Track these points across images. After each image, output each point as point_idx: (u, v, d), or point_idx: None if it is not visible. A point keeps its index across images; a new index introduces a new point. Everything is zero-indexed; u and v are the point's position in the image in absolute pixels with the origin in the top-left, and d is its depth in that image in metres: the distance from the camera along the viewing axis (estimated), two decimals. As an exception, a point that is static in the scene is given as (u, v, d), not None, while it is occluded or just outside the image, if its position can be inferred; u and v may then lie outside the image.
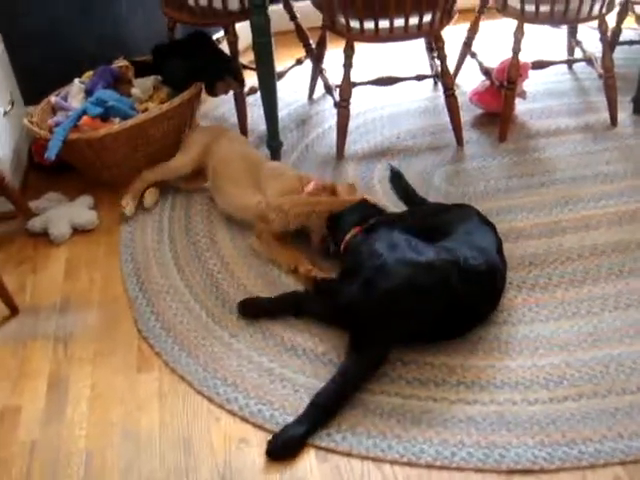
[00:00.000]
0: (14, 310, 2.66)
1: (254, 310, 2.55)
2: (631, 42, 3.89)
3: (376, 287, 2.29)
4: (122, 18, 3.63)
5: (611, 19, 3.49)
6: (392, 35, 3.05)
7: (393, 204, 3.00)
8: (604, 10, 3.19)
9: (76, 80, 3.36)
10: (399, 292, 2.28)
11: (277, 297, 2.57)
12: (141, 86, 3.28)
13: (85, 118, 3.07)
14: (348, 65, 3.16)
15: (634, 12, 4.04)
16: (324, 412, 2.15)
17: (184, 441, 2.16)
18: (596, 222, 2.87)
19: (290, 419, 2.16)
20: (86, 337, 2.54)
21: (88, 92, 3.26)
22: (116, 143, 3.05)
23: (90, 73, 3.36)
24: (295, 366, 2.35)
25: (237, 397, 2.26)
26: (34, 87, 3.42)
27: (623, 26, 3.89)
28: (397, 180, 3.04)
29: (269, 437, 2.12)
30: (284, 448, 2.09)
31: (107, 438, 2.19)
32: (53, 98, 3.30)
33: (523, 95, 3.53)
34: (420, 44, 3.79)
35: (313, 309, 2.52)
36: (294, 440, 2.10)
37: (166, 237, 2.94)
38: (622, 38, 3.91)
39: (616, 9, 3.52)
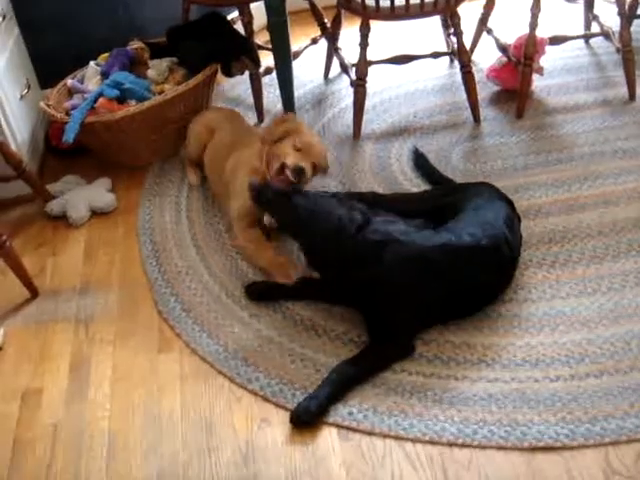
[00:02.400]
0: (34, 293, 2.68)
1: (261, 291, 2.56)
2: (649, 15, 3.84)
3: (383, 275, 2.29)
4: (136, 0, 3.61)
5: (629, -8, 3.45)
6: (408, 12, 3.03)
7: (410, 183, 3.00)
8: (622, -17, 3.15)
9: (92, 63, 3.36)
10: (402, 282, 2.28)
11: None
12: (157, 68, 3.27)
13: (102, 100, 3.07)
14: (364, 44, 3.14)
15: (652, -15, 4.00)
16: (344, 382, 2.17)
17: (206, 422, 2.17)
18: (615, 198, 2.85)
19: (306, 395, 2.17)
20: (107, 319, 2.56)
21: (104, 74, 3.27)
22: (133, 125, 3.05)
23: (106, 55, 3.36)
24: (316, 346, 2.35)
25: (258, 377, 2.27)
26: (50, 71, 3.43)
27: (641, -1, 3.84)
28: (421, 162, 3.03)
29: (291, 416, 2.14)
30: (306, 415, 2.10)
31: (129, 419, 2.20)
32: (69, 81, 3.31)
33: (540, 71, 3.49)
34: (436, 21, 3.76)
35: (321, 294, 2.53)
36: (315, 407, 2.11)
37: (184, 218, 2.95)
38: (640, 12, 3.87)
39: (634, -18, 3.48)
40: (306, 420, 2.11)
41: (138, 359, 2.40)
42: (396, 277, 2.27)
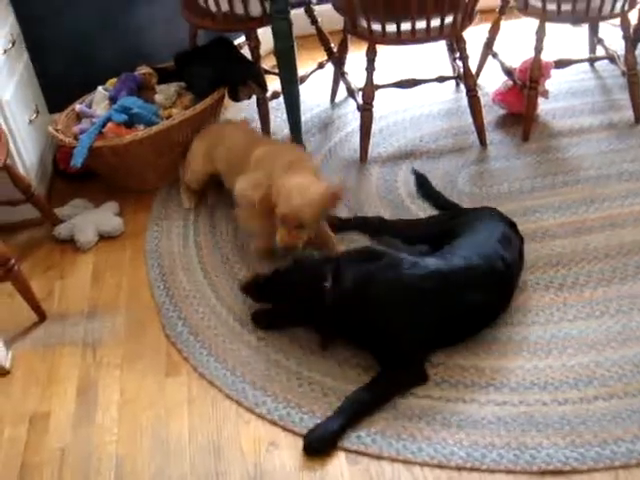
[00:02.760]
0: (42, 316, 2.68)
1: (267, 320, 2.55)
2: (654, 39, 3.86)
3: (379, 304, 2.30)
4: (144, 26, 3.65)
5: (633, 16, 3.46)
6: (414, 37, 3.05)
7: (417, 207, 3.00)
8: (626, 7, 3.17)
9: (100, 87, 3.38)
10: (393, 315, 2.29)
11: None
12: (164, 92, 3.29)
13: (110, 125, 3.09)
14: (371, 68, 3.16)
15: (656, 9, 4.02)
16: (359, 410, 2.17)
17: (214, 445, 2.17)
18: (622, 220, 2.85)
19: (319, 422, 2.16)
20: (114, 342, 2.56)
21: (112, 99, 3.29)
22: (141, 149, 3.07)
23: (114, 80, 3.38)
24: (323, 369, 2.35)
25: (266, 401, 2.26)
26: (58, 95, 3.44)
27: (645, 23, 3.86)
28: (425, 187, 3.05)
29: (298, 440, 2.13)
30: (320, 444, 2.10)
31: (137, 443, 2.20)
32: (77, 106, 3.33)
33: (546, 94, 3.51)
34: (441, 45, 3.78)
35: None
36: (329, 435, 2.11)
37: (191, 242, 2.96)
38: (645, 35, 3.88)
39: (638, 6, 3.49)
40: (319, 449, 2.10)
41: (146, 383, 2.39)
42: (387, 312, 2.28)
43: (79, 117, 3.32)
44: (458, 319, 2.36)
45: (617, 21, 3.28)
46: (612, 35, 3.74)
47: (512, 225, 2.62)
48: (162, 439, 2.20)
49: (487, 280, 2.38)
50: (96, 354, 2.52)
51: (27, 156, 3.09)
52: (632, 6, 3.20)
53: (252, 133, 3.15)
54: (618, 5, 3.13)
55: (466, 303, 2.34)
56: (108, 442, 2.21)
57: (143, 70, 3.40)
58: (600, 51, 3.81)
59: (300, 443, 2.12)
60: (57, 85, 3.53)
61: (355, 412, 2.16)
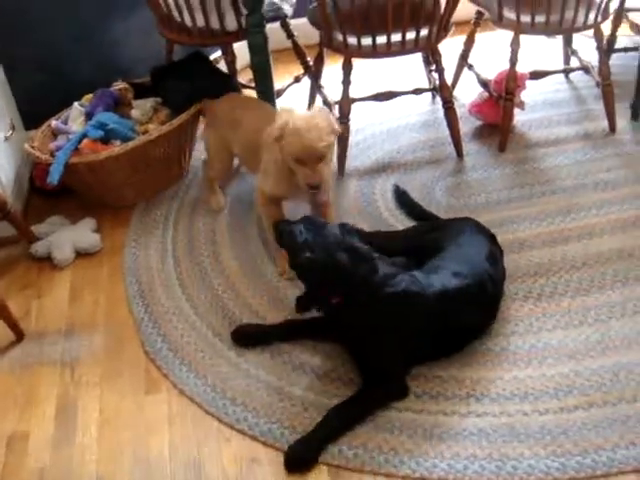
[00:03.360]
0: (20, 335, 2.65)
1: (247, 336, 2.53)
2: (626, 49, 3.90)
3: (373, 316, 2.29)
4: (120, 41, 3.64)
5: (606, 27, 3.50)
6: (390, 50, 3.06)
7: (395, 219, 3.01)
8: (599, 19, 3.20)
9: (76, 104, 3.37)
10: (395, 326, 2.28)
11: (272, 325, 2.56)
12: (141, 108, 3.29)
13: (86, 141, 3.08)
14: (347, 81, 3.17)
15: (628, 19, 4.06)
16: (340, 425, 2.16)
17: (195, 463, 2.15)
18: (599, 230, 2.87)
19: (300, 437, 2.15)
20: (93, 361, 2.54)
21: (88, 115, 3.27)
22: (117, 165, 3.06)
23: (90, 96, 3.37)
24: (303, 384, 2.34)
25: (247, 417, 2.25)
26: (34, 112, 3.43)
27: (618, 33, 3.90)
28: (403, 199, 3.05)
29: (280, 456, 2.11)
30: (302, 460, 2.10)
31: (117, 462, 2.18)
32: (53, 122, 3.31)
33: (521, 105, 3.53)
34: (417, 58, 3.79)
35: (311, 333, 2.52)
36: (310, 450, 2.11)
37: (170, 258, 2.94)
38: (617, 45, 3.92)
39: (610, 17, 3.53)
40: (301, 464, 2.09)
41: (125, 401, 2.37)
42: (390, 321, 2.27)
43: (55, 134, 3.30)
44: (447, 338, 2.37)
45: (591, 32, 3.31)
46: (586, 46, 3.78)
47: (492, 238, 2.62)
48: (142, 457, 2.19)
49: (478, 300, 2.40)
50: (75, 373, 2.50)
51: (3, 173, 3.07)
52: (605, 18, 3.24)
53: (263, 109, 3.05)
54: (591, 17, 3.16)
55: (456, 323, 2.35)
56: (88, 461, 2.19)
57: (119, 85, 3.39)
58: (574, 62, 3.85)
59: (282, 458, 2.11)
60: (33, 101, 3.51)
61: (336, 427, 2.16)
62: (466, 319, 2.37)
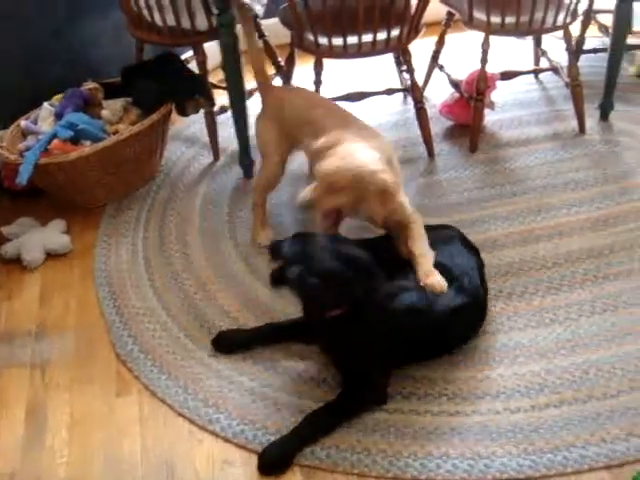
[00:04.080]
0: (-11, 338, 2.63)
1: (229, 343, 2.51)
2: (595, 50, 3.94)
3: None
4: (90, 41, 3.61)
5: (575, 28, 3.53)
6: (361, 51, 3.06)
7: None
8: (568, 20, 3.23)
9: (45, 104, 3.33)
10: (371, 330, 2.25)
11: (253, 329, 2.54)
12: (111, 108, 3.26)
13: (55, 142, 3.05)
14: (318, 82, 3.18)
15: (597, 21, 4.10)
16: (316, 431, 2.16)
17: (167, 465, 2.14)
18: (569, 229, 2.89)
19: (273, 438, 2.15)
20: (63, 363, 2.52)
21: (58, 115, 3.24)
22: (88, 166, 3.03)
23: (59, 96, 3.34)
24: (276, 385, 2.34)
25: (219, 418, 2.24)
26: (3, 111, 3.38)
27: (587, 35, 3.93)
28: None
29: (252, 457, 2.11)
30: (275, 463, 2.09)
31: (88, 465, 2.16)
32: (23, 122, 3.28)
33: (492, 106, 3.55)
34: (389, 58, 3.80)
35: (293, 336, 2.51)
36: (285, 455, 2.10)
37: (141, 259, 2.92)
38: (586, 46, 3.95)
39: (579, 18, 3.56)
40: (275, 469, 2.09)
41: (96, 403, 2.36)
42: (388, 334, 2.25)
43: (24, 134, 3.26)
44: (435, 348, 2.39)
45: (560, 34, 3.34)
46: (555, 47, 3.81)
47: (476, 252, 2.61)
48: (114, 460, 2.17)
49: (475, 316, 2.44)
50: (45, 375, 2.47)
51: (-29, 174, 3.03)
52: (573, 19, 3.26)
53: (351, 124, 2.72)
54: (560, 18, 3.18)
55: (447, 337, 2.37)
56: (59, 464, 2.17)
57: (89, 85, 3.36)
58: (544, 63, 3.87)
59: (254, 460, 2.10)
60: (2, 101, 3.47)
61: (312, 432, 2.15)
62: (461, 334, 2.40)
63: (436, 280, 2.30)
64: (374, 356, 2.25)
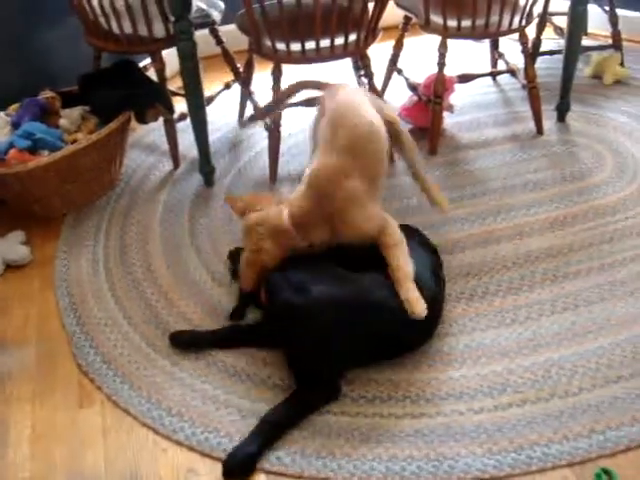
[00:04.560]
0: (-53, 352, 2.59)
1: (187, 341, 2.51)
2: (551, 52, 3.99)
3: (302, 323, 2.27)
4: (47, 50, 3.58)
5: (531, 31, 3.57)
6: (319, 56, 3.07)
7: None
8: (523, 23, 3.27)
9: (2, 113, 3.30)
10: (324, 328, 2.25)
11: (212, 330, 2.55)
12: (69, 117, 3.23)
13: (12, 151, 3.02)
14: (276, 87, 3.17)
15: (552, 23, 4.16)
16: (275, 429, 2.15)
17: (131, 475, 2.11)
18: (529, 229, 2.92)
19: (237, 445, 2.14)
20: (24, 376, 2.48)
21: (15, 125, 3.20)
22: (46, 175, 3.00)
23: (16, 106, 3.30)
24: (240, 391, 2.33)
25: (183, 427, 2.23)
26: (-42, 123, 3.34)
27: (543, 37, 3.99)
28: None
29: (217, 465, 2.09)
30: (240, 467, 2.08)
31: (51, 478, 2.13)
32: (-22, 133, 3.24)
33: (450, 109, 3.58)
34: (347, 63, 3.81)
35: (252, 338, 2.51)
36: (248, 458, 2.09)
37: (102, 268, 2.90)
38: (543, 49, 4.01)
39: (535, 21, 3.60)
40: (239, 473, 2.07)
41: (58, 416, 2.33)
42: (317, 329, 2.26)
43: (-20, 145, 3.22)
44: (388, 349, 2.38)
45: (516, 36, 3.37)
46: (512, 50, 3.85)
47: (433, 250, 2.62)
48: (77, 472, 2.14)
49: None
50: (5, 389, 2.44)
51: None
52: (529, 22, 3.30)
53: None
54: (516, 21, 3.22)
55: (400, 336, 2.37)
56: (20, 479, 2.14)
57: (47, 94, 3.33)
58: (502, 65, 3.92)
59: (219, 468, 2.09)
60: (-43, 112, 3.43)
61: (272, 432, 2.15)
62: (416, 332, 2.39)
63: (421, 309, 2.29)
64: (320, 353, 2.26)
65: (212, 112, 3.54)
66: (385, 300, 2.30)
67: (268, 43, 3.07)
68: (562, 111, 3.63)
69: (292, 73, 3.50)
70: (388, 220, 2.44)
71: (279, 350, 2.41)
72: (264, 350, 2.46)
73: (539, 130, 3.55)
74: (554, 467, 2.04)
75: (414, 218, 2.91)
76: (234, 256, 2.75)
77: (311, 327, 2.25)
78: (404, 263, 2.35)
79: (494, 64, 4.06)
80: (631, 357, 2.36)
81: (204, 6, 3.39)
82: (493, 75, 3.99)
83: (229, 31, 3.63)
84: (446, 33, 3.25)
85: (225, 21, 3.54)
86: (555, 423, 2.15)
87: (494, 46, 4.00)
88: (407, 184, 3.22)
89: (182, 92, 3.24)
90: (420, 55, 4.11)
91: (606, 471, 1.98)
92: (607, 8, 3.97)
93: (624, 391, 2.24)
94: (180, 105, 3.44)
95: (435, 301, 2.42)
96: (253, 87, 3.65)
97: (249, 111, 3.79)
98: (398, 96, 3.79)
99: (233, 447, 2.12)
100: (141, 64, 3.56)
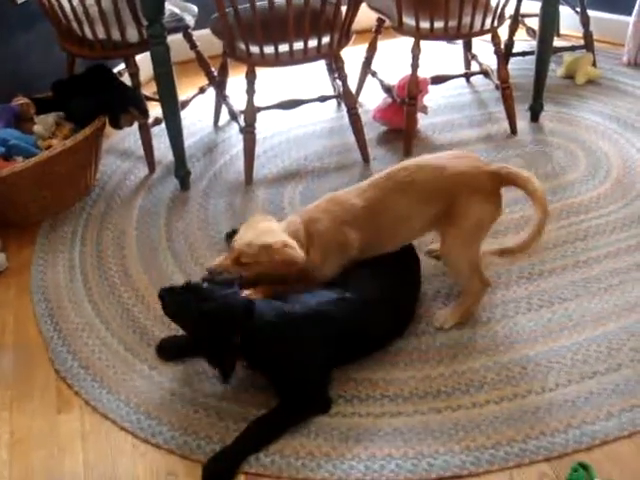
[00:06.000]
0: None
1: (173, 350, 2.51)
2: (524, 53, 4.02)
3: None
4: (20, 56, 3.57)
5: (503, 32, 3.60)
6: (292, 58, 3.08)
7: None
8: (496, 24, 3.29)
9: (-25, 121, 3.28)
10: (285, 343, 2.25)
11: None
12: (43, 123, 3.22)
13: (-14, 159, 3.01)
14: (251, 90, 3.17)
15: (524, 24, 4.19)
16: (260, 439, 2.15)
17: (110, 479, 2.11)
18: (504, 228, 2.94)
19: (217, 447, 2.14)
20: (2, 381, 2.47)
21: (-12, 132, 3.19)
22: (21, 182, 2.98)
23: (-11, 113, 3.29)
24: (218, 394, 2.33)
25: (162, 430, 2.23)
26: None
27: (515, 38, 4.02)
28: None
29: (197, 468, 2.09)
30: (219, 473, 2.07)
31: (30, 484, 2.13)
32: (-49, 140, 3.22)
33: (425, 110, 3.60)
34: (321, 66, 3.83)
35: None
36: (229, 466, 2.08)
37: (78, 274, 2.89)
38: (515, 50, 4.04)
39: (507, 22, 3.63)
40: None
41: (36, 422, 2.32)
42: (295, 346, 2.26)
43: (-46, 152, 3.21)
44: (362, 348, 2.41)
45: (489, 37, 3.40)
46: (485, 51, 3.88)
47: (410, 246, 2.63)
48: (56, 477, 2.13)
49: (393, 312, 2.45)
50: (-18, 396, 2.44)
51: None
52: (501, 23, 3.32)
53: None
54: (488, 22, 3.25)
55: (371, 336, 2.40)
56: (-1, 485, 2.14)
57: (20, 101, 3.32)
58: (475, 66, 3.94)
59: (199, 471, 2.08)
60: None
61: (255, 442, 2.14)
62: (377, 332, 2.42)
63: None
64: (302, 368, 2.25)
65: (187, 117, 3.55)
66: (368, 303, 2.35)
67: (242, 46, 3.08)
68: (535, 111, 3.66)
69: (266, 76, 3.53)
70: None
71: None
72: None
73: (513, 130, 3.58)
74: (531, 462, 2.07)
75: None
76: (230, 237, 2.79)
77: (291, 344, 2.25)
78: None
79: (467, 65, 4.09)
80: (606, 353, 2.38)
81: (177, 10, 3.39)
82: (467, 76, 4.02)
83: (203, 35, 3.63)
84: (419, 35, 3.27)
85: (199, 25, 3.54)
86: (532, 419, 2.17)
87: (467, 47, 4.03)
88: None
89: (157, 97, 3.24)
90: (394, 57, 4.13)
91: (583, 465, 1.99)
92: (578, 9, 4.01)
93: (599, 386, 2.27)
94: (155, 110, 3.44)
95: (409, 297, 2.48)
96: (227, 91, 3.65)
97: (224, 115, 3.80)
98: (373, 98, 3.81)
99: (215, 452, 2.12)
100: (115, 69, 3.55)
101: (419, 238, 2.63)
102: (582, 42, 4.08)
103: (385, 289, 2.42)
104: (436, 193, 2.42)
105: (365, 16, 3.51)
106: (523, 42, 4.22)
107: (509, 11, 3.44)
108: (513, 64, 3.99)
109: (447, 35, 3.29)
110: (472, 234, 2.43)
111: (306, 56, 3.09)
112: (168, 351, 2.50)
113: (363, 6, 3.21)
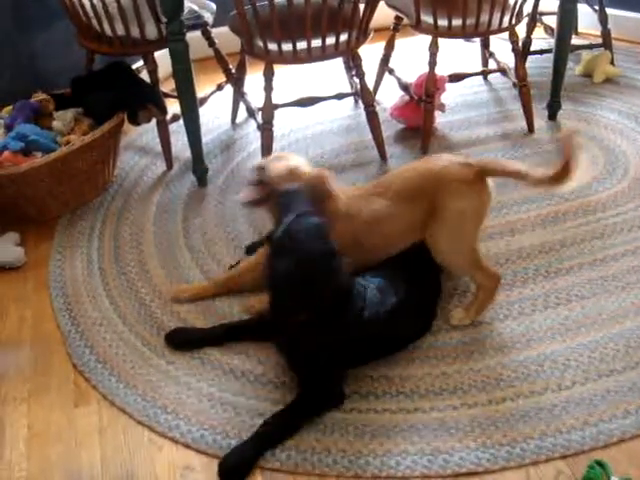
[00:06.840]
0: (-57, 354, 2.59)
1: (183, 340, 2.52)
2: (542, 51, 4.01)
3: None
4: (40, 52, 3.59)
5: (521, 30, 3.59)
6: (310, 56, 3.08)
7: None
8: (513, 22, 3.29)
9: (-6, 116, 3.31)
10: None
11: (207, 328, 2.55)
12: (62, 119, 3.24)
13: (6, 154, 3.02)
14: (269, 88, 3.18)
15: (542, 22, 4.18)
16: (276, 434, 2.15)
17: (127, 474, 2.12)
18: (521, 226, 2.94)
19: (233, 442, 2.15)
20: (19, 376, 2.49)
21: (8, 127, 3.21)
22: (39, 177, 3.01)
23: (9, 108, 3.31)
24: (235, 389, 2.34)
25: (179, 424, 2.24)
26: (-49, 125, 3.35)
27: (533, 36, 4.01)
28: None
29: (213, 462, 2.10)
30: (236, 470, 2.08)
31: (48, 477, 2.14)
32: (-29, 135, 3.25)
33: (442, 108, 3.60)
34: (339, 63, 3.83)
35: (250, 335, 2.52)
36: (245, 461, 2.09)
37: (96, 269, 2.91)
38: (533, 48, 4.03)
39: (525, 20, 3.62)
40: (236, 475, 2.08)
41: (54, 415, 2.33)
42: (347, 340, 2.26)
43: (-26, 147, 3.23)
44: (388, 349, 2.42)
45: (506, 35, 3.39)
46: (502, 49, 3.87)
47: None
48: (74, 471, 2.15)
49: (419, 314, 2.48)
50: (1, 389, 2.44)
51: None
52: (518, 21, 3.32)
53: None
54: (505, 20, 3.24)
55: (399, 338, 2.42)
56: (17, 478, 2.14)
57: (39, 97, 3.34)
58: (492, 64, 3.93)
59: (215, 465, 2.09)
60: (-51, 115, 3.43)
61: (272, 437, 2.15)
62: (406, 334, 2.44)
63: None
64: (332, 360, 2.25)
65: (205, 113, 3.56)
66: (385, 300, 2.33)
67: (260, 44, 3.09)
68: (553, 109, 3.65)
69: (284, 73, 3.54)
70: None
71: (272, 346, 2.40)
72: (257, 347, 2.47)
73: (530, 128, 3.57)
74: (548, 460, 2.06)
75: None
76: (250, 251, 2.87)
77: (330, 337, 2.24)
78: None
79: (485, 63, 4.08)
80: (623, 351, 2.38)
81: (196, 8, 3.40)
82: (484, 74, 4.01)
83: (221, 33, 3.64)
84: (437, 33, 3.27)
85: (217, 23, 3.55)
86: (548, 416, 2.17)
87: (485, 45, 4.02)
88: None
89: (175, 94, 3.26)
90: (411, 55, 4.13)
91: (599, 463, 1.98)
92: (597, 7, 4.00)
93: (616, 384, 2.26)
94: (173, 107, 3.45)
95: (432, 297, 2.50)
96: (245, 88, 3.66)
97: (242, 112, 3.81)
98: (390, 96, 3.81)
99: (231, 448, 2.12)
100: (134, 66, 3.57)
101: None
102: (600, 40, 4.07)
103: (414, 291, 2.42)
104: (415, 192, 2.44)
105: (383, 14, 3.52)
106: (541, 40, 4.21)
107: (527, 9, 3.42)
108: (531, 62, 3.97)
109: (465, 33, 3.28)
110: (457, 227, 2.42)
111: (324, 54, 3.09)
112: (177, 340, 2.52)
113: (381, 4, 3.21)
